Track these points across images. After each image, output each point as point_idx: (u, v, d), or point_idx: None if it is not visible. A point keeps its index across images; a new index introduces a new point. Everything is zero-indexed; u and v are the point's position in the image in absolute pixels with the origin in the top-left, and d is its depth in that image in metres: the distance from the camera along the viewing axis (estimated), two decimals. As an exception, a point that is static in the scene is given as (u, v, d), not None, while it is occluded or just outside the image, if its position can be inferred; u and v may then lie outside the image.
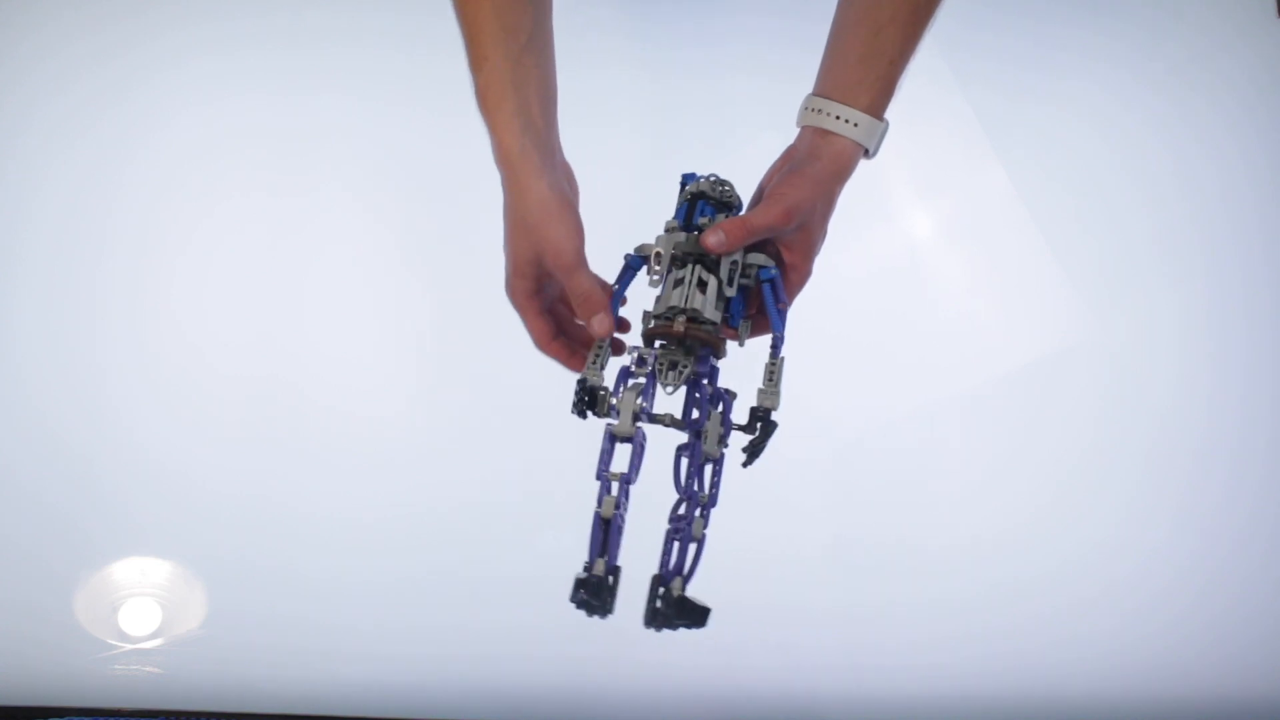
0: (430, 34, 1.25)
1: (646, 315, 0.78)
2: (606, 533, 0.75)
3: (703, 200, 0.79)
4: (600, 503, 0.75)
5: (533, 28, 0.78)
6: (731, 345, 0.79)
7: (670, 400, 0.77)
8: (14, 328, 1.18)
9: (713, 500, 0.78)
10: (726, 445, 0.77)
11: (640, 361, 0.76)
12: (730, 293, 0.77)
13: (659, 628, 0.76)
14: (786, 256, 0.79)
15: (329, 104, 1.24)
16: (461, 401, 1.18)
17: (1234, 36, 1.30)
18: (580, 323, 0.81)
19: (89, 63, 1.23)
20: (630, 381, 0.76)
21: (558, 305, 0.83)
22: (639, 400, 0.75)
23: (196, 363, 1.18)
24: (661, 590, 0.76)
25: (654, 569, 0.77)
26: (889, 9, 0.79)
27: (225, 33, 1.25)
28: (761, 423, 0.76)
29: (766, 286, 0.78)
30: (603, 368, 0.77)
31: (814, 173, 0.78)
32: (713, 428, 0.76)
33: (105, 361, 1.17)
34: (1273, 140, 1.28)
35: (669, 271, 0.77)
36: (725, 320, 0.77)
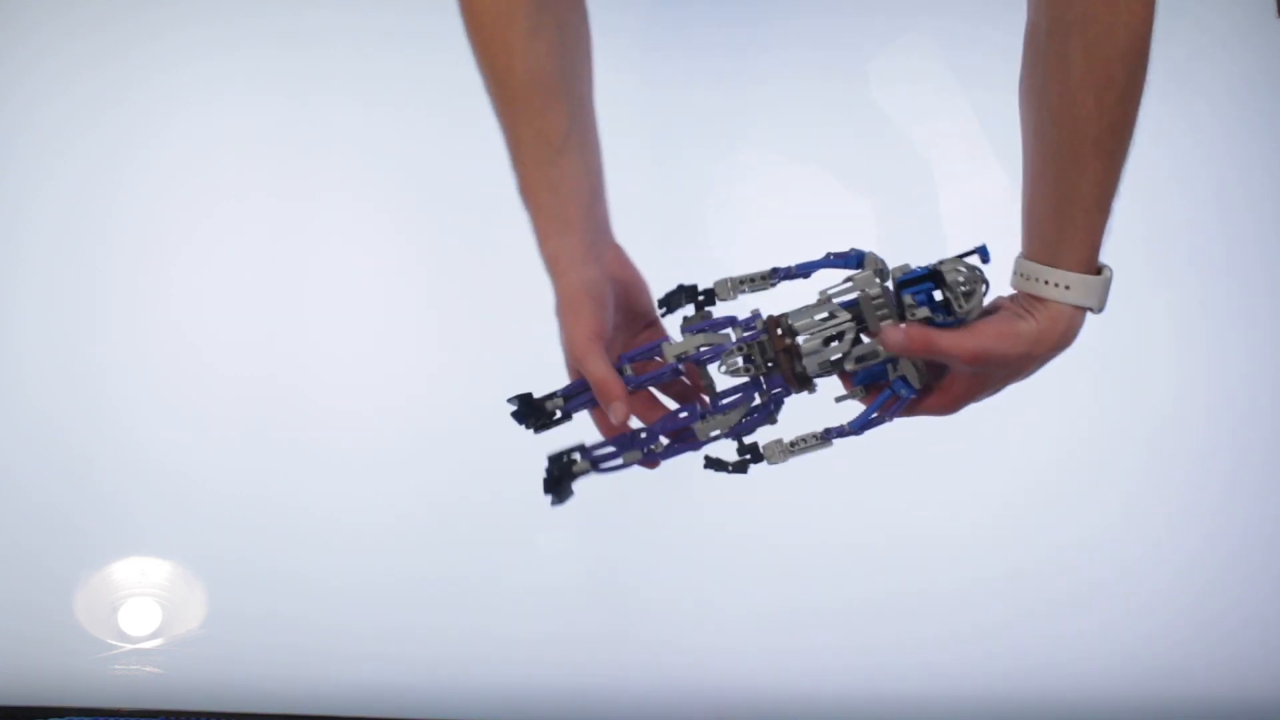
0: (430, 35, 1.25)
1: (778, 318, 0.76)
2: (582, 391, 0.77)
3: (935, 282, 0.74)
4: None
5: (567, 128, 0.77)
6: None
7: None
8: (14, 328, 1.18)
9: (664, 454, 0.78)
10: (710, 440, 0.78)
11: (748, 326, 0.76)
12: (849, 368, 0.75)
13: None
14: (939, 390, 0.77)
15: (328, 105, 1.24)
16: (462, 402, 1.18)
17: (1233, 36, 1.30)
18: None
19: (89, 63, 1.23)
20: (721, 331, 0.76)
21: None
22: (703, 347, 0.75)
23: (196, 363, 1.18)
24: (574, 456, 0.78)
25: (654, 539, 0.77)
26: (1072, 149, 0.73)
27: (225, 34, 1.25)
28: (746, 461, 0.78)
29: (887, 392, 0.76)
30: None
31: (1026, 331, 0.74)
32: (721, 421, 0.76)
33: (105, 362, 1.17)
34: (1271, 140, 1.28)
35: (834, 302, 0.75)
36: (848, 374, 0.76)
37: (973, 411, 1.19)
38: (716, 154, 1.25)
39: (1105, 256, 1.29)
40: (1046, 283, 0.74)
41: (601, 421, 0.80)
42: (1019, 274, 0.76)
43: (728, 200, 1.24)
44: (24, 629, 1.12)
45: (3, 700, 1.10)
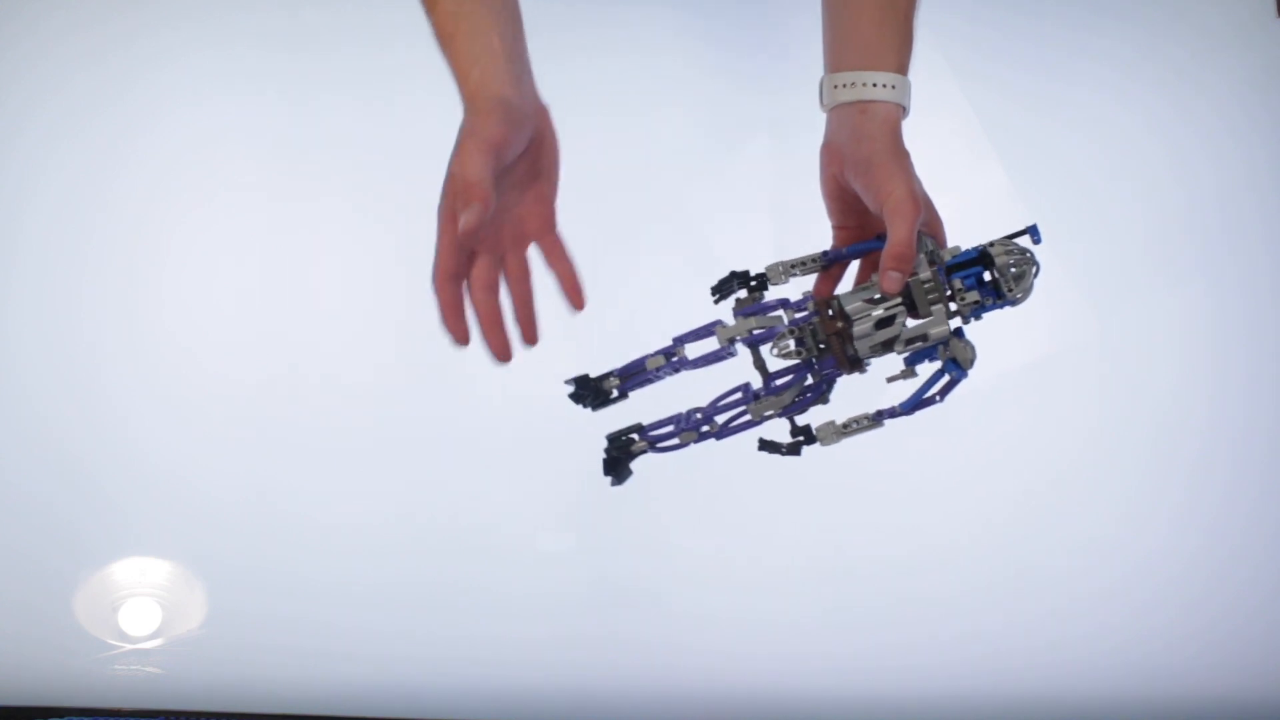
0: (430, 33, 1.25)
1: (828, 300, 0.77)
2: (638, 371, 0.79)
3: (984, 265, 0.75)
4: (652, 355, 0.79)
5: None
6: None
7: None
8: (10, 328, 1.18)
9: (719, 434, 0.80)
10: (764, 420, 0.79)
11: (800, 308, 0.77)
12: (899, 350, 0.76)
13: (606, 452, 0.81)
14: (924, 229, 0.78)
15: (325, 103, 1.24)
16: (462, 404, 1.18)
17: (1234, 36, 1.30)
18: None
19: (85, 61, 1.23)
20: (772, 314, 0.77)
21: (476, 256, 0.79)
22: (756, 330, 0.77)
23: (194, 364, 1.18)
24: (632, 436, 0.80)
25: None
26: None
27: (221, 31, 1.24)
28: (800, 443, 0.79)
29: (939, 374, 0.77)
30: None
31: (885, 153, 0.77)
32: (775, 402, 0.77)
33: (102, 362, 1.17)
34: (1273, 140, 1.28)
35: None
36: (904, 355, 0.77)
37: (974, 413, 1.20)
38: (714, 152, 1.25)
39: (1109, 256, 1.29)
40: (875, 85, 0.77)
41: (446, 262, 0.77)
42: (842, 86, 0.78)
43: (726, 198, 1.24)
44: (24, 629, 1.12)
45: (3, 700, 1.10)
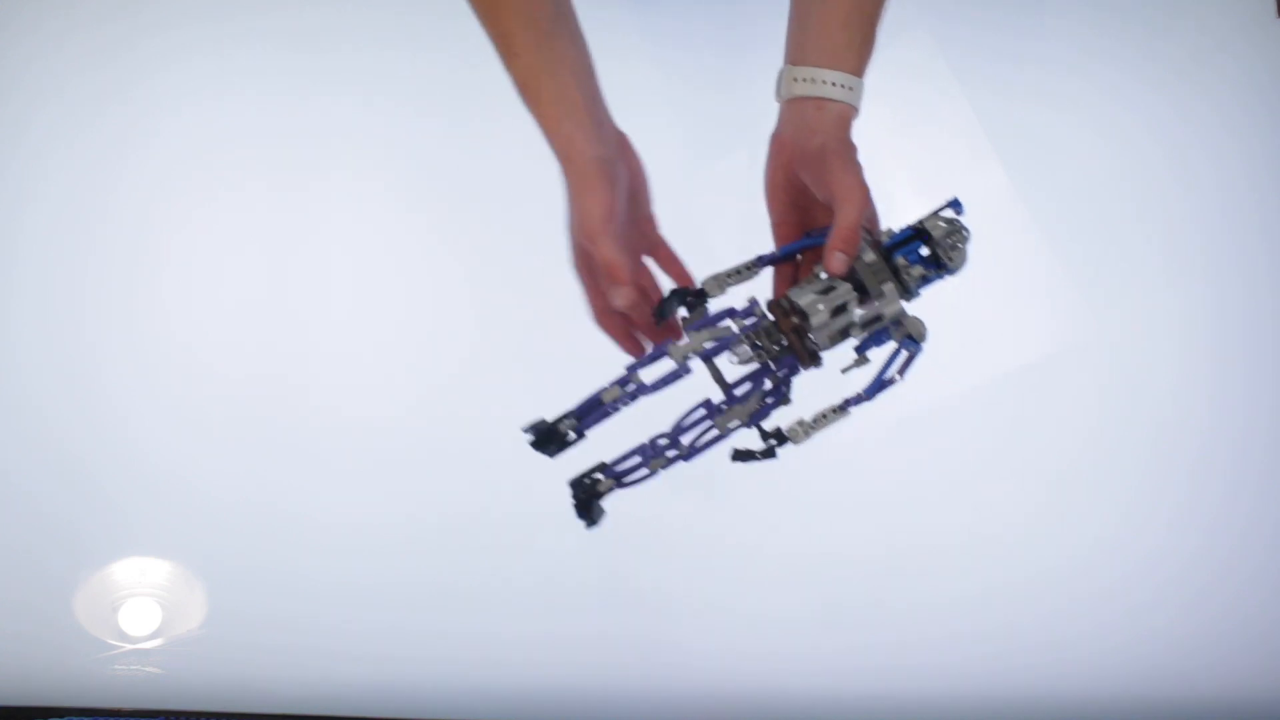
0: (430, 34, 1.25)
1: (778, 299, 0.78)
2: (594, 408, 0.78)
3: (923, 242, 0.77)
4: (608, 387, 0.77)
5: (553, 11, 0.79)
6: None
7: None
8: (11, 328, 1.18)
9: (687, 456, 0.79)
10: (731, 432, 0.78)
11: (747, 314, 0.77)
12: (857, 335, 0.77)
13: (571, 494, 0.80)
14: (834, 237, 0.79)
15: (327, 104, 1.24)
16: (462, 403, 1.18)
17: (1234, 36, 1.30)
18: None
19: (86, 63, 1.23)
20: (721, 324, 0.77)
21: None
22: (708, 342, 0.76)
23: (194, 364, 1.18)
24: (596, 477, 0.79)
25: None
26: None
27: (222, 32, 1.24)
28: (773, 446, 0.78)
29: (897, 351, 0.78)
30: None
31: (836, 149, 0.78)
32: (739, 411, 0.77)
33: (103, 362, 1.17)
34: (1273, 140, 1.28)
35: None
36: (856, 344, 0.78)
37: (974, 414, 1.20)
38: (712, 152, 1.25)
39: (1109, 257, 1.29)
40: (834, 84, 0.79)
41: (598, 304, 0.81)
42: (801, 80, 0.80)
43: (724, 200, 1.24)
44: (24, 629, 1.12)
45: (3, 700, 1.10)
